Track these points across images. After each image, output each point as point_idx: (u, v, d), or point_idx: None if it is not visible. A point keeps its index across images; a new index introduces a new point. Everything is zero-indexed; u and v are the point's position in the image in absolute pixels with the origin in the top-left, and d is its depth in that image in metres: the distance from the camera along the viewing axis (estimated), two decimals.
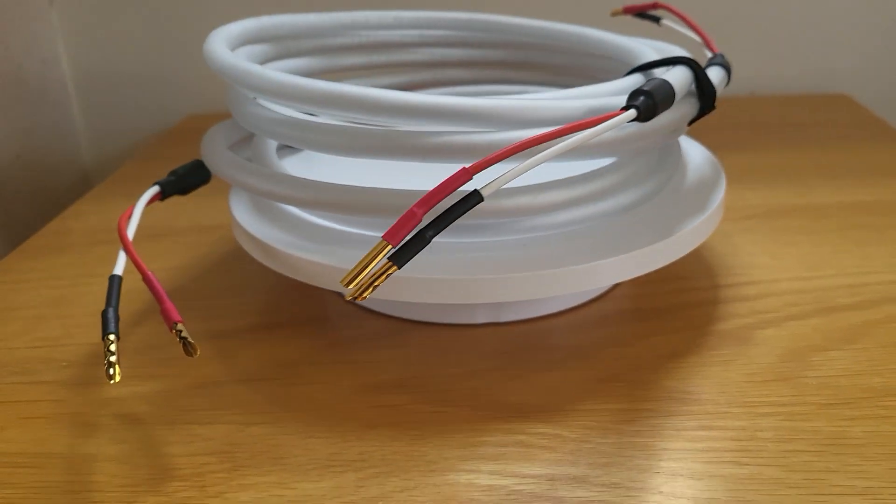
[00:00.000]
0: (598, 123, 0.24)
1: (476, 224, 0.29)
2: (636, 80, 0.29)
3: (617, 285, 0.34)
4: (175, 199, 0.34)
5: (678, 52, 0.32)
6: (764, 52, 0.62)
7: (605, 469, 0.24)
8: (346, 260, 0.28)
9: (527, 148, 0.23)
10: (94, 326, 0.33)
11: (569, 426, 0.26)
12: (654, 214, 0.31)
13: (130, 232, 0.30)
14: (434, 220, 0.22)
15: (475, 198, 0.22)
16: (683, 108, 0.29)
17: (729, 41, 0.56)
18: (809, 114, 0.58)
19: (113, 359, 0.24)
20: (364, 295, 0.22)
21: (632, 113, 0.25)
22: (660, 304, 0.33)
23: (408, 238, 0.22)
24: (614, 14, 0.38)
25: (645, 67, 0.30)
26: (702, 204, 0.31)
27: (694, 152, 0.37)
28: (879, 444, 0.25)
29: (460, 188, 0.22)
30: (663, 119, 0.27)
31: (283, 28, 0.36)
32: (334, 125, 0.28)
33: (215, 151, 0.33)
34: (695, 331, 0.31)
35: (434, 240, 0.29)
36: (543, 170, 0.27)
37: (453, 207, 0.22)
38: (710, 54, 0.32)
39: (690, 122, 0.30)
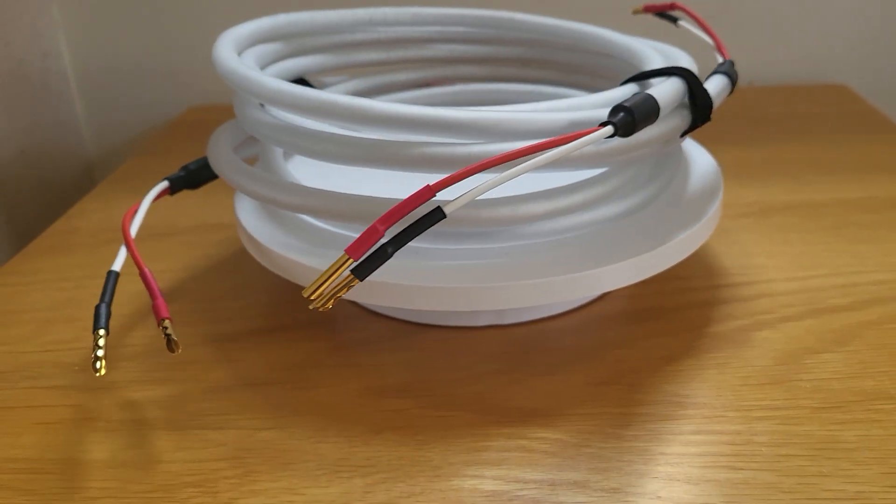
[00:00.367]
0: (573, 140, 0.24)
1: (473, 232, 0.30)
2: (626, 92, 0.29)
3: None
4: (181, 198, 0.34)
5: (683, 58, 0.32)
6: (762, 41, 0.63)
7: (605, 474, 0.25)
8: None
9: (492, 166, 0.24)
10: None
11: (569, 431, 0.27)
12: (652, 221, 0.31)
13: (135, 228, 0.31)
14: (396, 235, 0.23)
15: (438, 214, 0.23)
16: (673, 122, 0.29)
17: (726, 30, 0.56)
18: (806, 105, 0.58)
19: (100, 353, 0.26)
20: (328, 305, 0.24)
21: (608, 130, 0.25)
22: (658, 304, 0.34)
23: (369, 252, 0.23)
24: (635, 12, 0.39)
25: (642, 76, 0.30)
26: (697, 214, 0.32)
27: (697, 154, 0.37)
28: (870, 448, 0.25)
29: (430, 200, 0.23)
30: (648, 133, 0.27)
31: (299, 25, 0.37)
32: (321, 133, 0.29)
33: (220, 156, 0.33)
34: (692, 333, 0.32)
35: (436, 246, 0.30)
36: (542, 176, 0.27)
37: (415, 224, 0.23)
38: (720, 59, 0.33)
39: (684, 134, 0.30)
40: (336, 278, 0.23)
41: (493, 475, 0.25)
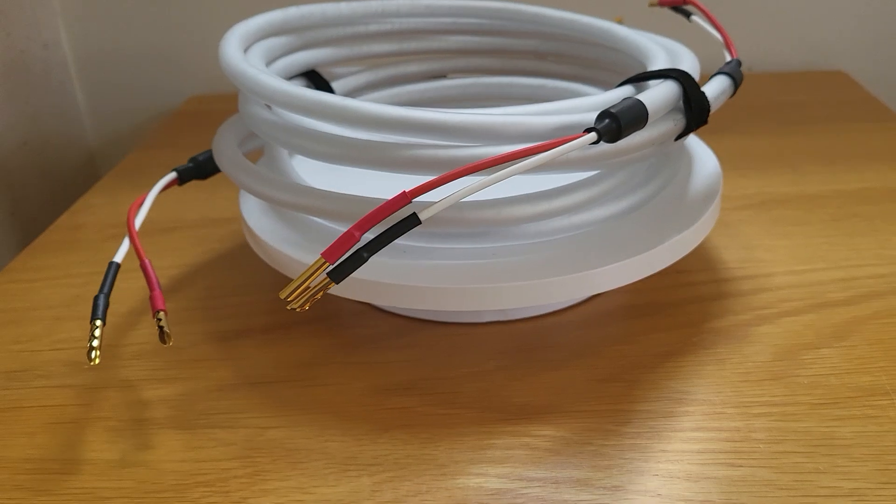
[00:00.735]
0: (556, 147, 0.24)
1: (470, 232, 0.30)
2: (618, 95, 0.29)
3: None
4: (187, 192, 0.35)
5: (687, 57, 0.32)
6: (760, 27, 0.63)
7: (607, 472, 0.25)
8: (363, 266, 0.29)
9: (470, 173, 0.24)
10: (112, 327, 0.34)
11: (572, 428, 0.27)
12: (648, 221, 0.31)
13: (140, 219, 0.31)
14: (371, 241, 0.24)
15: (413, 221, 0.24)
16: (665, 126, 0.29)
17: (724, 16, 0.56)
18: (805, 93, 0.58)
19: (95, 343, 0.27)
20: (305, 307, 0.24)
21: (591, 137, 0.25)
22: (659, 298, 0.34)
23: (345, 256, 0.24)
24: (651, 5, 0.39)
25: (640, 78, 0.30)
26: (692, 217, 0.32)
27: (699, 151, 0.37)
28: (866, 445, 0.26)
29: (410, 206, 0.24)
30: (638, 138, 0.28)
31: (311, 18, 0.37)
32: (314, 132, 0.30)
33: (225, 154, 0.34)
34: (692, 328, 0.32)
35: (447, 246, 0.30)
36: (537, 176, 0.28)
37: (390, 230, 0.24)
38: (728, 57, 0.33)
39: (679, 137, 0.30)
40: (313, 280, 0.24)
41: (498, 473, 0.26)
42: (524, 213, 0.28)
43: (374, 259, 0.29)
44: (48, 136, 0.60)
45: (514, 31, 0.41)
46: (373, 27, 0.39)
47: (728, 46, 0.33)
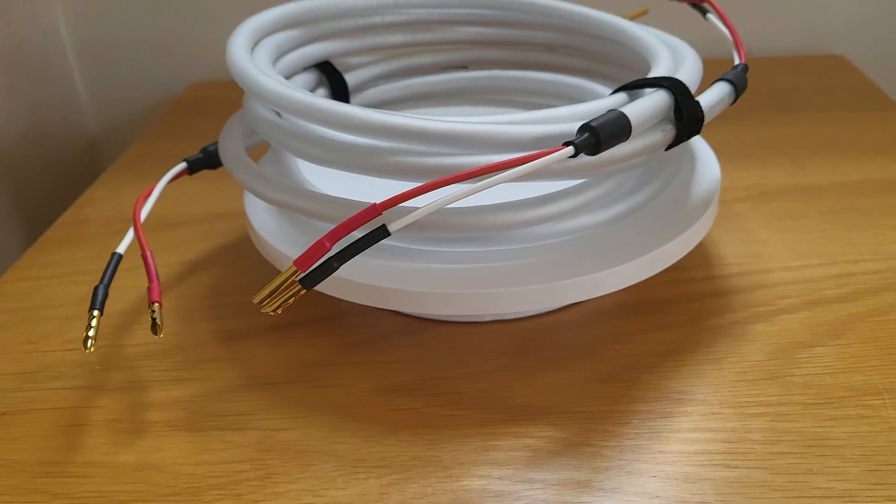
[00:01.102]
0: (532, 160, 0.25)
1: (468, 235, 0.31)
2: (605, 105, 0.29)
3: None
4: (193, 185, 0.35)
5: (689, 58, 0.32)
6: (759, 11, 0.63)
7: (606, 473, 0.26)
8: (355, 266, 0.29)
9: (441, 186, 0.24)
10: (123, 326, 0.35)
11: (573, 429, 0.28)
12: (644, 225, 0.32)
13: (147, 209, 0.32)
14: (340, 251, 0.25)
15: (382, 233, 0.24)
16: (651, 138, 0.28)
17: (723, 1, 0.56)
18: (803, 78, 0.59)
19: (91, 333, 0.28)
20: (277, 311, 0.25)
21: (569, 151, 0.25)
22: (657, 296, 0.35)
23: (316, 265, 0.25)
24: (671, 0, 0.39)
25: (635, 85, 0.30)
26: (687, 222, 0.32)
27: (700, 149, 0.38)
28: (858, 446, 0.27)
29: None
30: (622, 149, 0.27)
31: (326, 10, 0.37)
32: (306, 134, 0.30)
33: (230, 154, 0.34)
34: (690, 326, 0.33)
35: (449, 249, 0.31)
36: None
37: (360, 240, 0.25)
38: (736, 60, 0.33)
39: (669, 147, 0.30)
40: (285, 286, 0.25)
41: (501, 475, 0.27)
42: (508, 220, 0.29)
43: (374, 261, 0.30)
44: (49, 125, 0.60)
45: (527, 22, 0.41)
46: (387, 18, 0.40)
47: (737, 48, 0.33)
